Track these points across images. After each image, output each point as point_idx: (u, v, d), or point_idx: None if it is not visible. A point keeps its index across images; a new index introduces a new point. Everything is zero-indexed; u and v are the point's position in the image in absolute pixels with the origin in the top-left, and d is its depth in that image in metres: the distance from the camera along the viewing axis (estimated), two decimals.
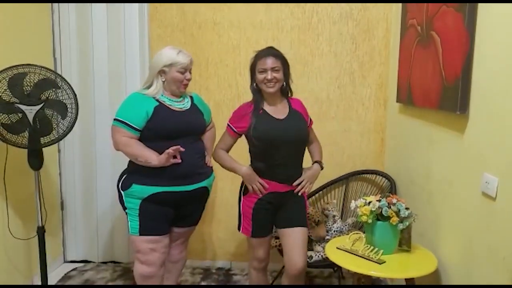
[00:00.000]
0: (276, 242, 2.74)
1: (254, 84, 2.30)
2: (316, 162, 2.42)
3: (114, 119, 2.27)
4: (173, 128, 2.31)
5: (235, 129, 2.34)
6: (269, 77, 2.21)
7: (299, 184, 2.31)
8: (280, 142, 2.24)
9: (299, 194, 2.32)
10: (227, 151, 2.40)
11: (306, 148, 2.43)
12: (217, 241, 3.43)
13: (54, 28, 3.22)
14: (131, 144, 2.26)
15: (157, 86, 2.32)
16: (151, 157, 2.24)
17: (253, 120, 2.27)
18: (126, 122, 2.25)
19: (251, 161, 2.36)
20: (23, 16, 2.86)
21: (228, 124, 2.37)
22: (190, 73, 2.38)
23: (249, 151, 2.37)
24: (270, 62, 2.22)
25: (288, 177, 2.30)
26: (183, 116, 2.36)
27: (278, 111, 2.30)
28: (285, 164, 2.28)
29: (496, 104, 1.63)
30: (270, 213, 2.34)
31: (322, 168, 2.43)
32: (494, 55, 1.65)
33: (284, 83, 2.30)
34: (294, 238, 2.30)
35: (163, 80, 2.32)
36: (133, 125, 2.25)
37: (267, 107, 2.30)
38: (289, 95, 2.38)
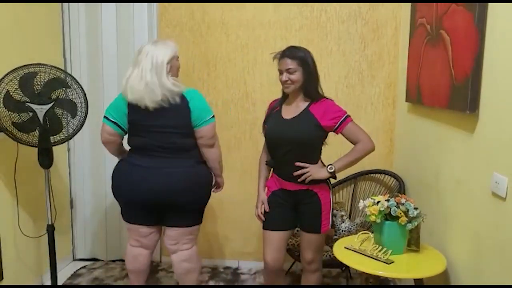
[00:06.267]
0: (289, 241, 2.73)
1: None
2: (329, 165, 2.28)
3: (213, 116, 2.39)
4: None
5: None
6: (283, 78, 2.24)
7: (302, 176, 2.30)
8: (279, 141, 2.30)
9: (299, 180, 2.27)
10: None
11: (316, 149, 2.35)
12: (224, 240, 3.44)
13: (64, 28, 3.25)
14: None
15: None
16: None
17: (267, 116, 2.40)
18: None
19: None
20: (34, 16, 2.89)
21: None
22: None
23: None
24: (285, 63, 2.23)
25: (293, 176, 2.28)
26: None
27: (290, 111, 2.31)
28: (288, 163, 2.29)
29: (507, 103, 1.61)
30: (284, 209, 2.37)
31: (331, 174, 2.27)
32: (505, 54, 1.63)
33: (307, 84, 2.26)
34: (303, 240, 2.39)
35: None
36: None
37: (284, 106, 2.36)
38: (312, 96, 2.28)
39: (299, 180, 2.27)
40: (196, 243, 2.55)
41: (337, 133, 2.29)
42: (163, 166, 2.31)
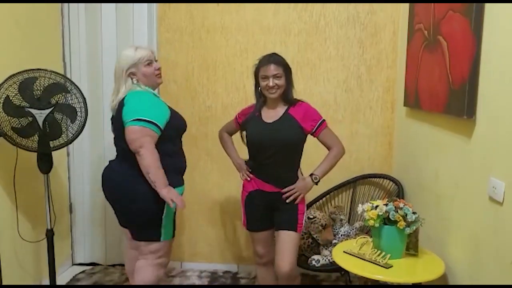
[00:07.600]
0: None
1: (259, 89, 2.38)
2: (311, 174, 2.36)
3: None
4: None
5: (238, 121, 2.54)
6: (270, 84, 2.29)
7: (288, 191, 2.35)
8: (262, 145, 2.34)
9: (287, 201, 2.34)
10: (230, 135, 2.64)
11: (297, 152, 2.41)
12: (224, 244, 3.44)
13: (63, 32, 3.26)
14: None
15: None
16: None
17: (244, 121, 2.44)
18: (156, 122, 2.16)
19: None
20: (33, 21, 2.90)
21: (236, 115, 2.58)
22: None
23: None
24: (271, 69, 2.29)
25: (275, 178, 2.36)
26: None
27: (271, 115, 2.37)
28: (270, 165, 2.36)
29: (503, 108, 1.62)
30: (262, 211, 2.43)
31: (315, 183, 2.35)
32: (501, 60, 1.64)
33: (287, 88, 2.35)
34: (280, 241, 2.37)
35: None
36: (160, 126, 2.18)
37: (264, 111, 2.40)
38: (290, 100, 2.37)
39: (287, 201, 2.34)
40: (153, 270, 2.33)
41: (315, 136, 2.38)
42: (111, 166, 2.36)
